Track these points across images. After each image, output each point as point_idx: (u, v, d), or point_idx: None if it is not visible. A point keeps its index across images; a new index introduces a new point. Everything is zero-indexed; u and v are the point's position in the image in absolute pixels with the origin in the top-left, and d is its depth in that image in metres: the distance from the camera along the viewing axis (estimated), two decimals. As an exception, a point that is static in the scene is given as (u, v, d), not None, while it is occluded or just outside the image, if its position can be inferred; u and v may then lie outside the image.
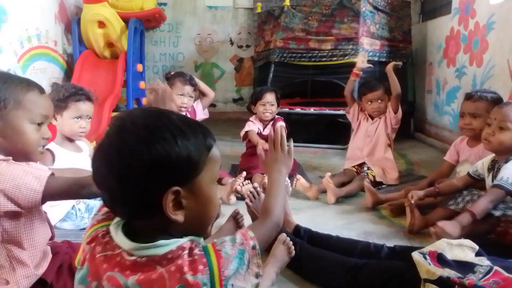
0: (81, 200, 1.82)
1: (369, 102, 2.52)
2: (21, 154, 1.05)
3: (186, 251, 0.68)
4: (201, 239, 0.76)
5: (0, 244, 1.04)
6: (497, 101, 1.91)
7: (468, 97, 2.03)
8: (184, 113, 2.59)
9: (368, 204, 2.08)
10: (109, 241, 0.73)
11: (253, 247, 0.76)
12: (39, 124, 1.07)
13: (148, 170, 0.66)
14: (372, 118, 2.57)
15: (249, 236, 0.77)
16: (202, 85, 2.71)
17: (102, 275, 0.69)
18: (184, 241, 0.70)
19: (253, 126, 2.65)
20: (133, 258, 0.69)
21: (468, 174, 1.82)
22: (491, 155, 1.76)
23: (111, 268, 0.69)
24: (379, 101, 2.50)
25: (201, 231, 0.77)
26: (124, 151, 0.67)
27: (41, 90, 1.09)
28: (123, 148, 0.67)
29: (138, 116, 0.71)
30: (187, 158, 0.68)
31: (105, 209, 0.79)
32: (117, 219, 0.75)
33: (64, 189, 1.03)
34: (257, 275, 0.75)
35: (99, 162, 0.70)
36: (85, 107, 1.87)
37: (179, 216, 0.69)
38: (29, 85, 1.06)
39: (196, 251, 0.69)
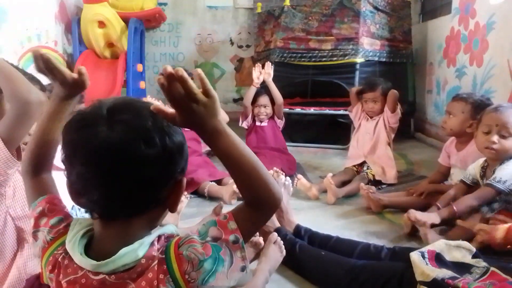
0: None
1: (365, 101, 2.55)
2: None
3: (156, 261, 0.63)
4: (170, 228, 0.70)
5: (12, 224, 1.08)
6: (479, 105, 1.88)
7: (453, 96, 2.06)
8: None
9: (374, 210, 2.04)
10: (69, 263, 0.66)
11: (234, 242, 0.65)
12: None
13: (173, 155, 0.64)
14: (371, 117, 2.57)
15: (229, 229, 0.65)
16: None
17: None
18: (150, 241, 0.64)
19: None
20: (100, 276, 0.63)
21: (461, 181, 1.80)
22: (480, 160, 1.75)
23: None
24: (374, 102, 2.51)
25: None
26: (152, 138, 0.61)
27: (42, 88, 1.11)
28: (150, 136, 0.61)
29: (132, 107, 0.65)
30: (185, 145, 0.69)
31: (44, 224, 0.72)
32: (71, 234, 0.67)
33: (12, 118, 0.99)
34: (243, 269, 0.67)
35: (108, 157, 0.60)
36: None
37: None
38: (32, 79, 1.09)
39: (158, 254, 0.64)
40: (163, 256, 0.63)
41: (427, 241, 1.55)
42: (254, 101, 2.77)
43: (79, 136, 0.62)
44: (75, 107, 1.85)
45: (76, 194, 0.65)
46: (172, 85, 0.59)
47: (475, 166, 1.76)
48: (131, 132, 0.60)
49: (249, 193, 0.67)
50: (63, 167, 0.65)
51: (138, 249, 0.63)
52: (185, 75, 0.59)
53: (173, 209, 0.70)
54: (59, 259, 0.67)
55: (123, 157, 0.60)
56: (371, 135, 2.54)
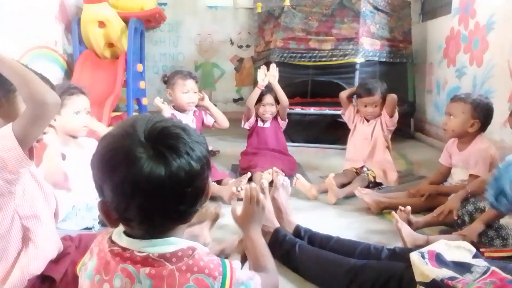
0: (81, 200, 1.82)
1: (364, 106, 2.49)
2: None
3: (197, 252, 0.73)
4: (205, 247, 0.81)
5: (19, 222, 1.08)
6: (479, 104, 1.88)
7: (451, 98, 2.05)
8: (191, 111, 2.59)
9: (373, 211, 2.04)
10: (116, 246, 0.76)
11: None
12: None
13: (206, 166, 0.74)
14: (368, 121, 2.54)
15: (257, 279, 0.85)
16: (216, 113, 2.61)
17: (115, 267, 0.72)
18: (190, 244, 0.75)
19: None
20: (144, 254, 0.72)
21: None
22: None
23: (123, 261, 0.72)
24: (374, 106, 2.46)
25: None
26: (192, 156, 0.70)
27: (52, 87, 1.12)
28: (191, 153, 0.70)
29: (170, 126, 0.72)
30: None
31: None
32: (117, 229, 0.77)
33: (29, 118, 0.99)
34: None
35: (162, 182, 0.67)
36: (81, 100, 1.88)
37: None
38: (43, 79, 1.09)
39: (214, 258, 0.75)
40: (220, 262, 0.75)
41: (400, 233, 1.59)
42: (258, 101, 2.74)
43: (124, 174, 0.67)
44: (71, 98, 1.87)
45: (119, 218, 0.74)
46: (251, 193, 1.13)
47: None
48: (176, 169, 0.68)
49: (256, 265, 1.03)
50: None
51: (182, 243, 0.74)
52: (258, 189, 1.15)
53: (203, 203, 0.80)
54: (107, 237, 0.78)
55: (171, 190, 0.69)
56: (368, 140, 2.51)
